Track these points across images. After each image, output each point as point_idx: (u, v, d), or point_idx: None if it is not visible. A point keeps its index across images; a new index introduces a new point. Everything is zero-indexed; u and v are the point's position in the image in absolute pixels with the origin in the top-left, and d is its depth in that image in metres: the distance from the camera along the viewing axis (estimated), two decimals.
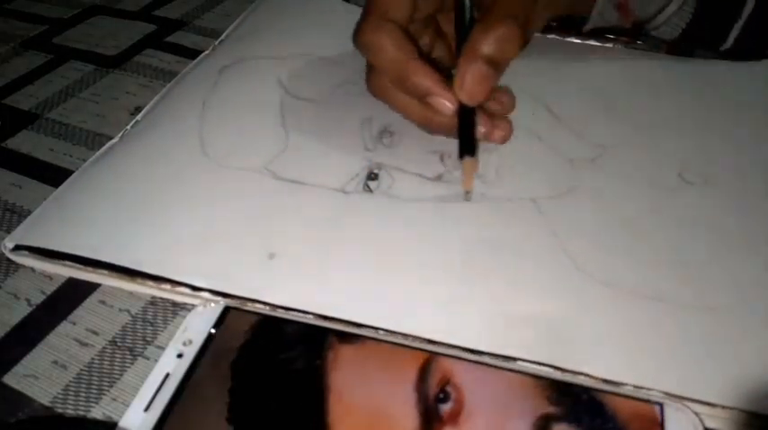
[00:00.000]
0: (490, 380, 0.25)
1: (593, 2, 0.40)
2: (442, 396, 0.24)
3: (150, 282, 0.29)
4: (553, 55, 0.42)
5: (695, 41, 0.40)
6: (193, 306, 0.28)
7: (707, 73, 0.40)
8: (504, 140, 0.34)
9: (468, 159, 0.32)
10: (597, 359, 0.25)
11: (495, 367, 0.25)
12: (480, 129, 0.33)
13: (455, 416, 0.24)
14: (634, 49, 0.43)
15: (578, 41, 0.44)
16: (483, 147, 0.35)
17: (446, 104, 0.32)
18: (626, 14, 0.39)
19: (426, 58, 0.33)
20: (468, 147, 0.32)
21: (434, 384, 0.25)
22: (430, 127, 0.35)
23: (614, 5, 0.39)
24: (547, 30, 0.43)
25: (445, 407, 0.24)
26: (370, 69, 0.35)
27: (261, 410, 0.24)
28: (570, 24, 0.43)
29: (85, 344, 0.28)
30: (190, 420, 0.24)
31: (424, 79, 0.32)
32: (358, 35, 0.33)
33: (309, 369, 0.25)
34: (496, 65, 0.31)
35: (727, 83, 0.39)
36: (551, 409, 0.24)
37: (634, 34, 0.42)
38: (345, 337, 0.26)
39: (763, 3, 0.37)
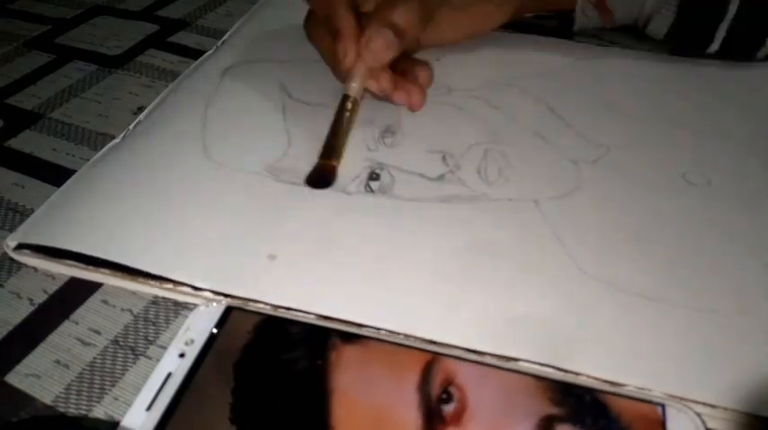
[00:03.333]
0: (493, 381, 0.25)
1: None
2: (444, 397, 0.24)
3: (152, 282, 0.29)
4: (556, 56, 0.42)
5: (681, 43, 0.40)
6: (195, 305, 0.28)
7: (710, 74, 0.40)
8: (412, 107, 0.37)
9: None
10: (599, 360, 0.25)
11: (498, 368, 0.25)
12: (381, 86, 0.36)
13: (458, 416, 0.24)
14: (637, 50, 0.43)
15: (579, 42, 0.44)
16: (485, 147, 0.35)
17: (347, 53, 0.34)
18: (605, 13, 0.40)
19: (354, 10, 0.35)
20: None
21: (437, 385, 0.25)
22: (336, 72, 0.37)
23: (593, 4, 0.40)
24: (545, 32, 0.44)
25: (448, 408, 0.24)
26: (309, 13, 0.38)
27: (264, 410, 0.24)
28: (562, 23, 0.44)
29: (87, 344, 0.28)
30: (192, 420, 0.24)
31: (341, 20, 0.34)
32: None
33: (312, 369, 0.25)
34: (400, 35, 0.34)
35: (731, 84, 0.39)
36: (554, 410, 0.24)
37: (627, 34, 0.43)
38: (348, 338, 0.26)
39: (746, 4, 0.37)
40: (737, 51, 0.39)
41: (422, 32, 0.35)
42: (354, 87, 0.35)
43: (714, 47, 0.39)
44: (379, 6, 0.35)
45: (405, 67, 0.38)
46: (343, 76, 0.36)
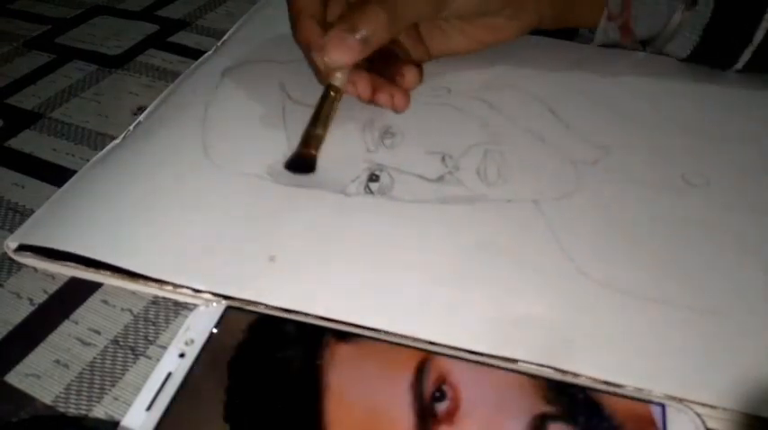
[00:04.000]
0: (487, 379, 0.25)
1: (585, 18, 0.40)
2: (438, 395, 0.24)
3: (152, 282, 0.29)
4: (556, 57, 0.42)
5: (705, 63, 0.39)
6: (195, 305, 0.28)
7: (709, 75, 0.40)
8: (394, 108, 0.37)
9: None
10: (598, 360, 0.25)
11: (492, 366, 0.25)
12: (357, 90, 0.36)
13: (451, 415, 0.24)
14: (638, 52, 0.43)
15: (579, 43, 0.44)
16: (484, 147, 0.35)
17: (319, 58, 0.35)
18: (627, 35, 0.39)
19: (322, 17, 0.36)
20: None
21: (430, 383, 0.25)
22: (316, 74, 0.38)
23: (618, 26, 0.39)
24: (546, 32, 0.44)
25: (441, 406, 0.24)
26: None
27: (257, 409, 0.24)
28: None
29: (87, 344, 0.28)
30: (191, 420, 0.24)
31: (305, 32, 0.35)
32: None
33: (306, 368, 0.25)
34: (365, 42, 0.33)
35: (730, 85, 0.39)
36: (548, 408, 0.24)
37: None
38: (342, 337, 0.27)
39: None
40: (761, 70, 0.38)
41: (395, 35, 0.35)
42: (339, 78, 0.36)
43: (738, 66, 0.38)
44: (344, 11, 0.36)
45: (393, 69, 0.38)
46: (321, 76, 0.37)
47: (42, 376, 0.27)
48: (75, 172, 0.36)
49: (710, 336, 0.26)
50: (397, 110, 0.38)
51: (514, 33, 0.39)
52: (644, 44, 0.41)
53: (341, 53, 0.34)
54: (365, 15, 0.33)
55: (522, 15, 0.38)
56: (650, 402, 0.24)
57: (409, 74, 0.38)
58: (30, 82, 0.45)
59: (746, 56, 0.37)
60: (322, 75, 0.37)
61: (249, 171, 0.35)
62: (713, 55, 0.38)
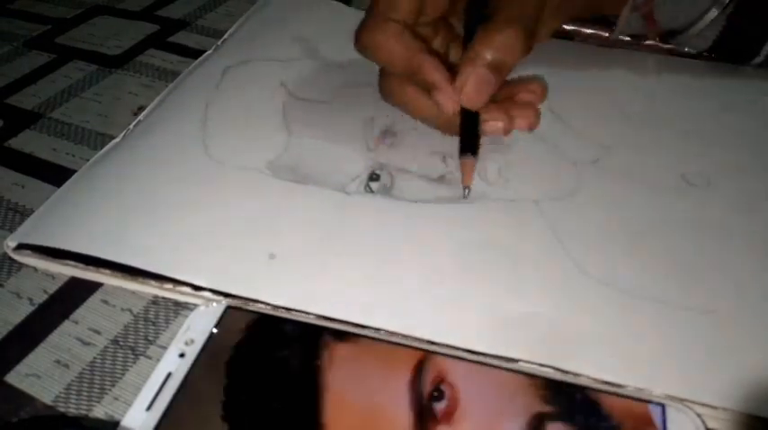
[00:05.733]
0: (485, 378, 0.25)
1: (614, 6, 0.39)
2: (436, 394, 0.24)
3: (152, 282, 0.29)
4: (556, 56, 0.42)
5: (725, 54, 0.39)
6: (195, 305, 0.28)
7: (710, 74, 0.40)
8: (531, 127, 0.35)
9: (466, 158, 0.32)
10: (598, 361, 0.25)
11: (491, 366, 0.25)
12: (497, 125, 0.33)
13: (449, 414, 0.24)
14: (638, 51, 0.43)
15: (580, 43, 0.44)
16: (487, 147, 0.35)
17: (449, 101, 0.32)
18: (652, 25, 0.38)
19: (436, 54, 0.33)
20: (468, 146, 0.32)
21: (429, 382, 0.25)
22: (438, 124, 0.35)
23: (642, 15, 0.38)
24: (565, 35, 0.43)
25: (440, 406, 0.24)
26: (382, 73, 0.35)
27: (255, 408, 0.24)
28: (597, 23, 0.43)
29: (87, 344, 0.28)
30: (191, 419, 0.24)
31: (432, 72, 0.32)
32: (360, 36, 0.33)
33: (305, 367, 0.25)
34: (497, 70, 0.31)
35: (731, 85, 0.39)
36: (546, 408, 0.24)
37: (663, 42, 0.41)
38: (341, 336, 0.27)
39: None
40: None
41: (526, 56, 0.32)
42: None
43: (758, 59, 0.38)
44: (473, 44, 0.32)
45: (513, 89, 0.36)
46: (448, 127, 0.34)
47: (42, 376, 0.27)
48: (75, 172, 0.36)
49: (710, 336, 0.26)
50: (532, 129, 0.35)
51: (551, 33, 0.37)
52: (665, 36, 0.40)
53: (480, 92, 0.31)
54: (501, 41, 0.30)
55: (568, 10, 0.36)
56: (650, 402, 0.24)
57: (535, 86, 0.35)
58: (30, 82, 0.45)
59: None
60: (446, 120, 0.33)
61: (250, 168, 0.35)
62: (734, 46, 0.37)
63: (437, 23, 0.36)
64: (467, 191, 0.33)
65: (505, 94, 0.35)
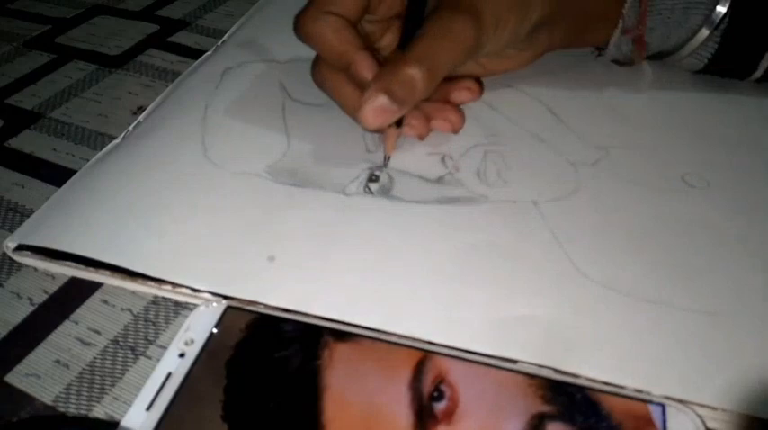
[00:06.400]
0: (485, 378, 0.25)
1: (597, 36, 0.39)
2: (436, 394, 0.24)
3: (152, 282, 0.29)
4: (555, 57, 0.42)
5: (721, 73, 0.38)
6: (195, 305, 0.28)
7: (709, 76, 0.40)
8: (455, 130, 0.36)
9: (391, 127, 0.33)
10: (598, 362, 0.25)
11: (490, 366, 0.25)
12: (413, 132, 0.35)
13: (449, 414, 0.24)
14: None
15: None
16: (484, 148, 0.35)
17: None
18: (641, 48, 0.38)
19: (374, 53, 0.33)
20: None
21: (429, 382, 0.25)
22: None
23: (632, 38, 0.38)
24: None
25: (439, 406, 0.24)
26: (316, 59, 0.36)
27: (255, 408, 0.24)
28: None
29: (87, 344, 0.28)
30: (191, 419, 0.24)
31: (362, 71, 0.32)
32: (298, 23, 0.33)
33: (304, 367, 0.25)
34: (399, 102, 0.30)
35: (731, 86, 0.39)
36: (546, 408, 0.24)
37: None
38: (340, 336, 0.27)
39: None
40: None
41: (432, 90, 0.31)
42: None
43: (756, 75, 0.37)
44: (387, 68, 0.31)
45: (449, 88, 0.36)
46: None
47: (42, 376, 0.27)
48: (75, 172, 0.36)
49: (710, 337, 0.26)
50: (456, 131, 0.36)
51: (525, 63, 0.39)
52: (655, 57, 0.39)
53: (378, 119, 0.31)
54: (401, 77, 0.30)
55: (535, 46, 0.37)
56: (650, 402, 0.24)
57: (454, 116, 0.36)
58: (30, 82, 0.45)
59: (766, 62, 0.36)
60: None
61: (249, 170, 0.35)
62: (730, 64, 0.37)
63: (390, 22, 0.36)
64: (387, 160, 0.34)
65: (441, 94, 0.36)
